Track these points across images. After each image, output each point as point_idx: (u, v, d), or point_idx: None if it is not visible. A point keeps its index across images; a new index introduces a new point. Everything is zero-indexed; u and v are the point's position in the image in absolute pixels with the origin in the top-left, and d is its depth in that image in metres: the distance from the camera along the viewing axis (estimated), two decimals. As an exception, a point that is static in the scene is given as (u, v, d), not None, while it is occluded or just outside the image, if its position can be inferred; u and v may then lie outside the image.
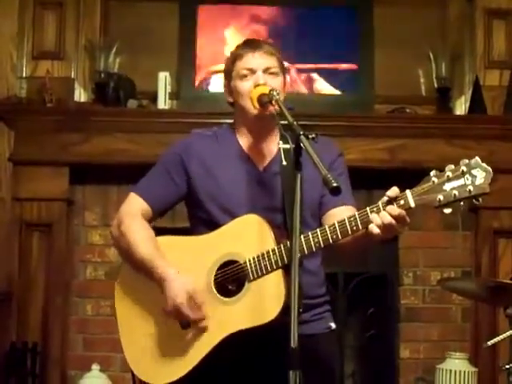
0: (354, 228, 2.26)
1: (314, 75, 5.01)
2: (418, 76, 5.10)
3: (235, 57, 2.59)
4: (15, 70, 4.89)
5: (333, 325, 2.60)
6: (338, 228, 2.28)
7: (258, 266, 2.37)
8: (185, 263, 2.49)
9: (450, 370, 4.56)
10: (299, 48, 5.00)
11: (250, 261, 2.39)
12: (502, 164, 4.75)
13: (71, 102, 4.87)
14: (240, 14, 5.05)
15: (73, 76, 4.92)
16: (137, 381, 2.56)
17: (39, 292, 4.73)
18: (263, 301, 2.35)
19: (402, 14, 5.16)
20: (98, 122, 4.76)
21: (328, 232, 2.30)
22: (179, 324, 2.45)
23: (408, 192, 2.22)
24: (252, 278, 2.38)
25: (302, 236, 2.28)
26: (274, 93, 2.43)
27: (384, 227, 2.21)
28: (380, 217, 2.21)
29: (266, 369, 2.41)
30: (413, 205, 2.20)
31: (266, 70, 2.53)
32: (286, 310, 2.25)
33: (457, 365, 4.58)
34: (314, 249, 2.32)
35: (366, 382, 5.17)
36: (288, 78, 2.70)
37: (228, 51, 2.72)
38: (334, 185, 2.07)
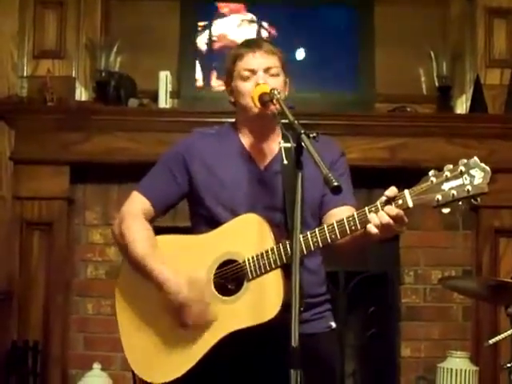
0: (353, 228, 2.27)
1: (314, 73, 5.02)
2: (418, 75, 5.10)
3: (236, 56, 2.59)
4: (16, 69, 4.89)
5: (333, 324, 2.61)
6: (336, 228, 2.29)
7: (256, 266, 2.38)
8: (184, 262, 2.49)
9: (451, 369, 4.56)
10: (299, 46, 5.00)
11: (248, 260, 2.40)
12: (503, 163, 4.75)
13: (72, 100, 4.86)
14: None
15: (74, 75, 4.92)
16: (137, 380, 2.56)
17: (40, 291, 4.73)
18: (262, 300, 2.36)
19: (403, 12, 5.15)
20: (98, 121, 4.76)
21: (327, 232, 2.31)
22: (179, 323, 2.46)
23: (406, 192, 2.23)
24: (251, 277, 2.39)
25: (300, 236, 2.28)
26: (275, 92, 2.44)
27: (382, 227, 2.22)
28: (378, 217, 2.22)
29: (265, 367, 2.42)
30: (411, 205, 2.21)
31: (266, 70, 2.54)
32: (285, 308, 2.27)
33: (458, 364, 4.58)
34: (312, 248, 2.33)
35: (367, 380, 5.17)
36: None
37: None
38: (335, 184, 2.08)
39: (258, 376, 2.43)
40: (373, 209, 2.24)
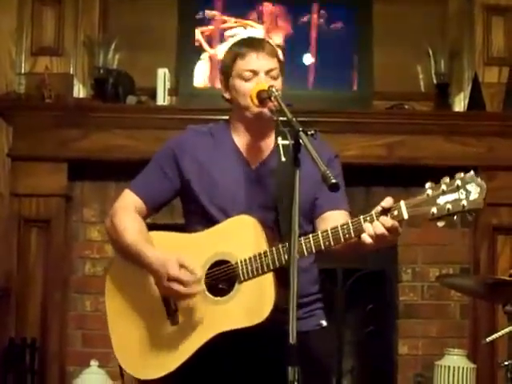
0: (347, 236, 2.28)
1: (313, 71, 5.02)
2: (416, 72, 5.10)
3: (236, 55, 2.56)
4: (14, 66, 4.89)
5: (324, 322, 2.60)
6: (330, 235, 2.30)
7: (249, 268, 2.38)
8: None
9: (449, 367, 4.56)
10: (298, 45, 5.01)
11: (241, 262, 2.40)
12: (501, 161, 4.77)
13: (70, 98, 4.86)
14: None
15: (72, 72, 4.91)
16: (124, 374, 2.56)
17: (38, 288, 4.73)
18: (253, 302, 2.36)
19: (401, 10, 5.15)
20: (96, 118, 4.76)
21: (321, 238, 2.32)
22: (168, 320, 2.47)
23: (402, 203, 2.23)
24: (243, 278, 2.40)
25: None
26: (273, 89, 2.43)
27: (376, 237, 2.23)
28: (373, 227, 2.23)
29: (255, 368, 2.43)
30: (406, 216, 2.22)
31: (267, 72, 2.53)
32: (276, 312, 2.29)
33: (455, 361, 4.58)
34: (305, 254, 2.34)
35: (365, 378, 5.17)
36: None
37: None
38: (333, 181, 2.08)
39: (248, 376, 2.44)
40: (368, 218, 2.25)
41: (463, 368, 4.55)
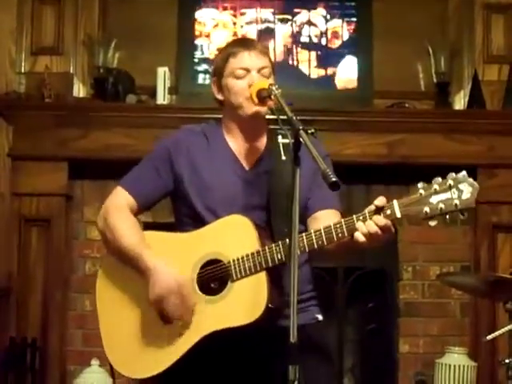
0: (340, 235, 2.29)
1: (313, 69, 5.02)
2: (417, 71, 5.10)
3: (228, 54, 2.57)
4: (14, 65, 4.89)
5: (320, 316, 2.59)
6: (323, 234, 2.31)
7: (242, 267, 2.39)
8: (169, 259, 2.49)
9: (450, 365, 4.56)
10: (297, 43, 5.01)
11: (234, 261, 2.40)
12: (501, 159, 4.77)
13: (70, 97, 4.86)
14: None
15: (72, 71, 4.91)
16: (115, 373, 2.56)
17: (38, 287, 4.74)
18: (246, 301, 2.36)
19: (402, 8, 5.15)
20: (96, 117, 4.77)
21: (314, 237, 2.32)
22: (160, 318, 2.46)
23: (395, 202, 2.24)
24: (235, 278, 2.40)
25: (286, 239, 2.28)
26: (273, 88, 2.43)
27: (370, 236, 2.24)
28: (366, 226, 2.24)
29: (248, 366, 2.42)
30: (399, 215, 2.23)
31: (259, 70, 2.54)
32: (268, 311, 2.30)
33: (456, 359, 4.58)
34: (298, 253, 2.32)
35: (366, 376, 5.17)
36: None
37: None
38: (333, 179, 2.09)
39: (241, 375, 2.43)
40: (361, 217, 2.26)
41: (464, 366, 4.55)
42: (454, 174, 2.18)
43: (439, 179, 2.20)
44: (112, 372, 2.56)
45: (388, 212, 2.23)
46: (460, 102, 5.03)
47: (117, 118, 4.79)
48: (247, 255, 2.38)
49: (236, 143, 2.61)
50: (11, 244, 4.75)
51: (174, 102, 5.00)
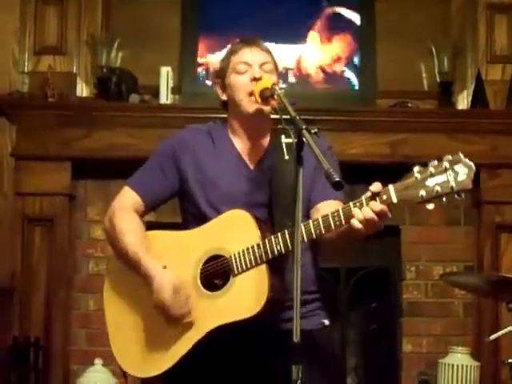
0: (337, 223, 2.28)
1: (317, 69, 5.02)
2: (420, 70, 5.09)
3: (230, 53, 2.61)
4: (17, 65, 4.89)
5: (326, 321, 2.59)
6: (321, 223, 2.30)
7: (242, 261, 2.39)
8: (171, 257, 2.50)
9: (453, 365, 4.56)
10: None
11: (235, 255, 2.41)
12: (505, 158, 4.77)
13: (73, 96, 4.87)
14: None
15: (75, 71, 4.92)
16: (126, 373, 2.58)
17: (41, 287, 4.74)
18: (247, 295, 2.37)
19: (405, 8, 5.15)
20: (100, 117, 4.77)
21: (312, 227, 2.31)
22: (165, 319, 2.47)
23: (391, 187, 2.23)
24: (237, 272, 2.40)
25: (285, 231, 2.31)
26: (276, 87, 2.43)
27: (366, 222, 2.22)
28: (362, 212, 2.23)
29: (250, 361, 2.43)
30: (395, 200, 2.21)
31: (261, 65, 2.55)
32: (270, 304, 2.30)
33: (459, 359, 4.58)
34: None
35: (369, 376, 5.17)
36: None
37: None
38: (337, 179, 2.10)
39: (246, 370, 2.44)
40: (357, 204, 2.25)
41: (467, 366, 4.55)
42: (449, 156, 2.16)
43: (435, 162, 2.17)
44: (124, 373, 2.57)
45: (384, 197, 2.22)
46: (463, 101, 5.03)
47: (120, 117, 4.79)
48: (247, 248, 2.39)
49: (240, 142, 2.62)
50: (14, 243, 4.75)
51: (177, 101, 5.01)
